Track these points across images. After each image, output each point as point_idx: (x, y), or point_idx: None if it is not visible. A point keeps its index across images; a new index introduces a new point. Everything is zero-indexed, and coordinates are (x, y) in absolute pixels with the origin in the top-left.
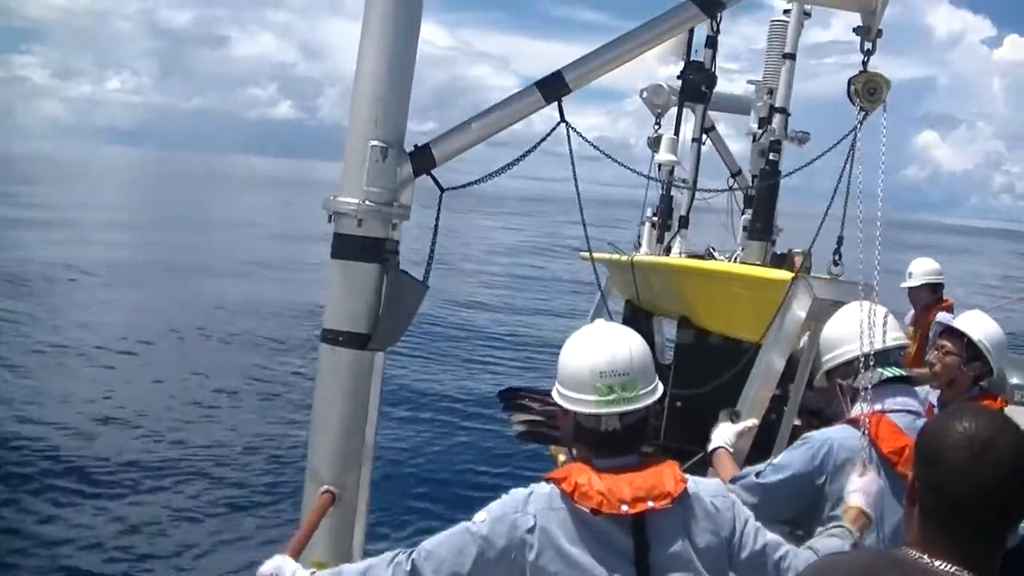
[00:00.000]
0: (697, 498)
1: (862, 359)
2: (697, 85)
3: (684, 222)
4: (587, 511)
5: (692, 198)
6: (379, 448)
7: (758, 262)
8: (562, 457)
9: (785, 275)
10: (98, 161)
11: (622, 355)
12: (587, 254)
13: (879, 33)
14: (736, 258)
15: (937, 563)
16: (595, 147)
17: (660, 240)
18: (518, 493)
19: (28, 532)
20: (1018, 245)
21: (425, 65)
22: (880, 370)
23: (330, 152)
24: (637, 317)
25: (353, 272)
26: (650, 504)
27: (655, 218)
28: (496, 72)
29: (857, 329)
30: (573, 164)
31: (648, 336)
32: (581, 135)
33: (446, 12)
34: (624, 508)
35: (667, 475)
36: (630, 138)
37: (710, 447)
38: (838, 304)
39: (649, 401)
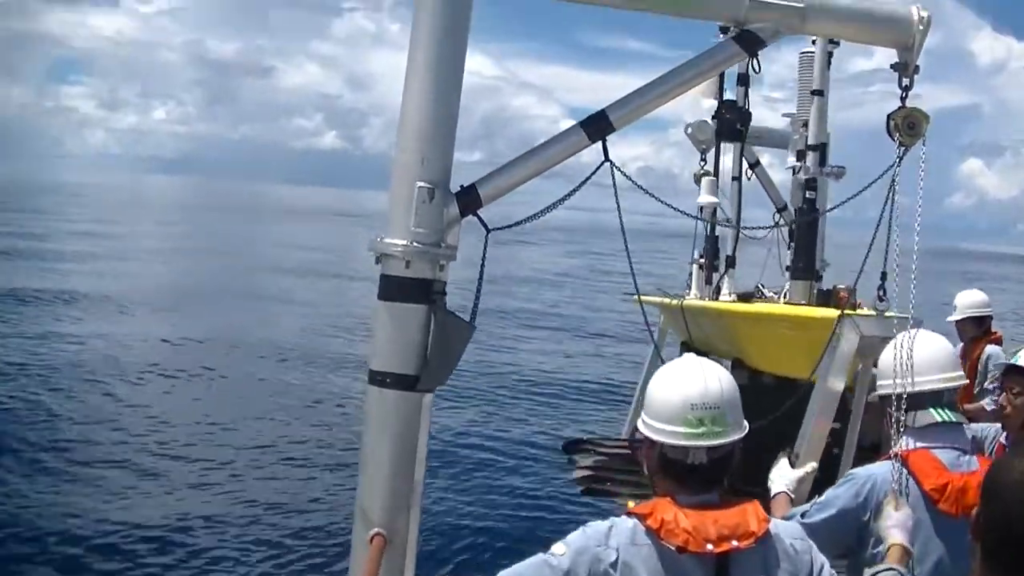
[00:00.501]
0: (778, 539)
1: (902, 397)
2: (732, 123)
3: (731, 262)
4: (672, 548)
5: (737, 237)
6: (427, 491)
7: (803, 301)
8: (631, 503)
9: (831, 313)
10: (144, 190)
11: (714, 388)
12: (637, 297)
13: (916, 69)
14: (785, 295)
15: None
16: (639, 187)
17: (709, 281)
18: (599, 526)
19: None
20: None
21: (472, 95)
22: (933, 411)
23: (375, 182)
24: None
25: (401, 313)
26: (734, 543)
27: (702, 260)
28: (539, 102)
29: (919, 362)
30: (618, 204)
31: None
32: (625, 174)
33: (492, 42)
34: (709, 547)
35: (751, 514)
36: (674, 168)
37: (772, 490)
38: (886, 340)
39: (736, 436)
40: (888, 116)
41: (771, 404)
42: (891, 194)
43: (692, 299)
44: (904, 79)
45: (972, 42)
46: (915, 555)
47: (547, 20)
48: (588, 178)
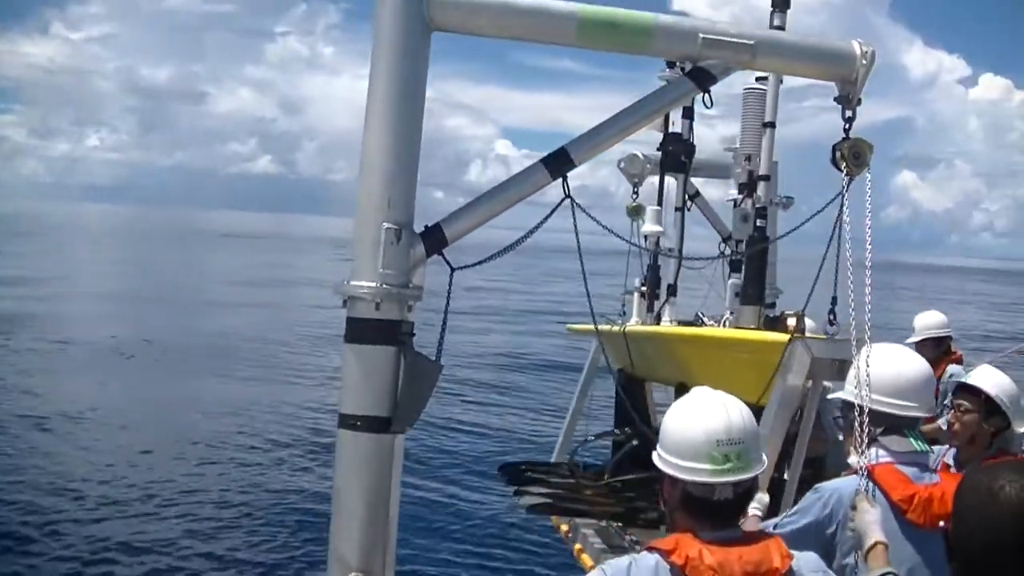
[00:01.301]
0: (800, 574)
1: (881, 414)
2: (677, 156)
3: (672, 290)
4: None
5: (679, 267)
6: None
7: (753, 325)
8: (564, 527)
9: (782, 337)
10: (77, 220)
11: (737, 422)
12: (575, 326)
13: (859, 101)
14: (725, 322)
15: None
16: (601, 224)
17: (651, 308)
18: (618, 564)
19: None
20: (1002, 287)
21: None
22: (912, 440)
23: (310, 206)
24: (631, 385)
25: (370, 356)
26: None
27: (643, 287)
28: (474, 122)
29: (902, 385)
30: (578, 241)
31: (642, 402)
32: (586, 212)
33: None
34: None
35: (774, 550)
36: (610, 186)
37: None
38: (836, 362)
39: (760, 469)
40: (833, 147)
41: None
42: (839, 223)
43: (633, 325)
44: (847, 111)
45: (904, 56)
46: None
47: (480, 42)
48: (549, 215)
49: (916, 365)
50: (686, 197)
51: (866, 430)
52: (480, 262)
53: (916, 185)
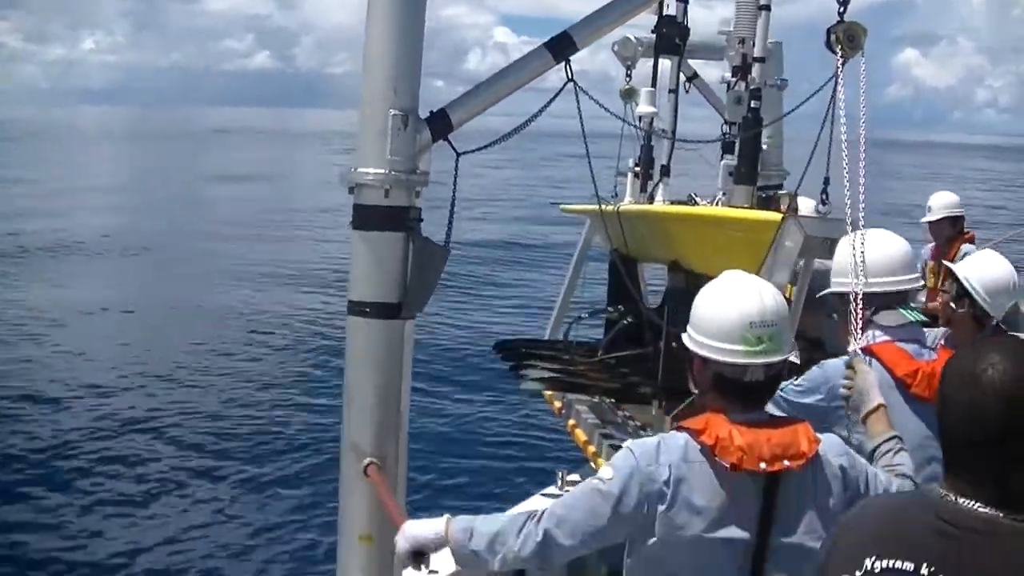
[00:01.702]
0: (826, 460)
1: (872, 295)
2: (671, 38)
3: (666, 171)
4: (726, 466)
5: (672, 148)
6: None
7: (746, 205)
8: (557, 404)
9: (775, 216)
10: (76, 123)
11: (770, 305)
12: (569, 207)
13: None
14: (718, 202)
15: (963, 502)
16: (604, 108)
17: (644, 189)
18: (646, 444)
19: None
20: (1005, 164)
21: None
22: (902, 311)
23: (310, 100)
24: (624, 264)
25: (379, 242)
26: (786, 463)
27: (637, 168)
28: (471, 11)
29: (877, 264)
30: (583, 125)
31: (635, 282)
32: (588, 95)
33: None
34: (762, 466)
35: (801, 434)
36: (610, 71)
37: None
38: (827, 240)
39: (790, 353)
40: (828, 30)
41: None
42: (832, 104)
43: (626, 205)
44: None
45: None
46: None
47: None
48: (552, 99)
49: (892, 241)
50: (680, 79)
51: (859, 314)
52: (485, 146)
53: (918, 62)
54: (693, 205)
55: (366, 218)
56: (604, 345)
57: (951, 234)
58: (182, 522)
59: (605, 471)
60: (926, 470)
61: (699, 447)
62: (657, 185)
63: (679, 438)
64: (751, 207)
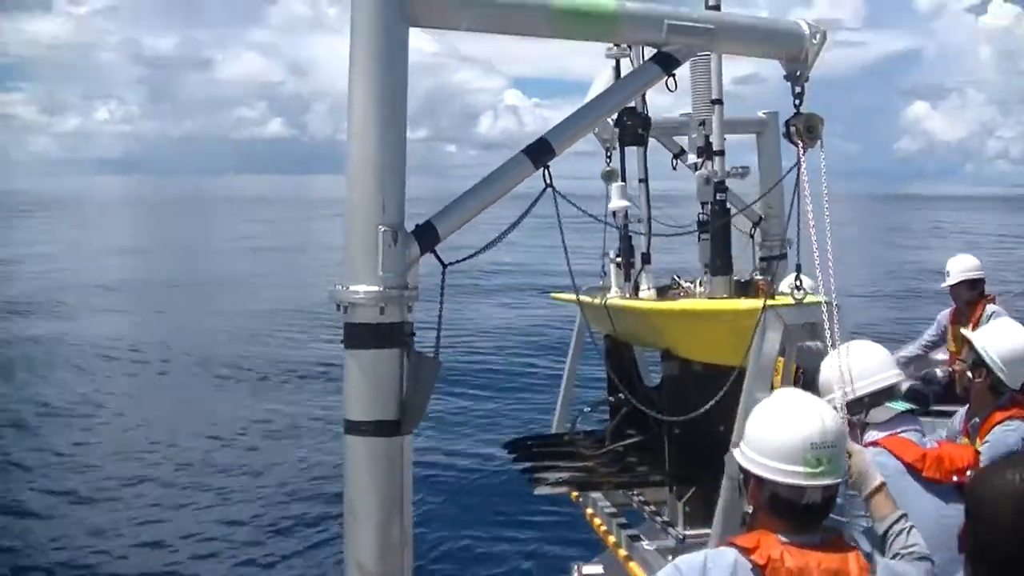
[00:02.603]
0: None
1: (861, 400)
2: (634, 129)
3: (646, 259)
4: None
5: (649, 239)
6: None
7: (725, 294)
8: (574, 493)
9: (756, 305)
10: (91, 193)
11: (830, 427)
12: (559, 295)
13: (807, 79)
14: (700, 283)
15: None
16: (582, 211)
17: (627, 278)
18: (692, 560)
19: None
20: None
21: (414, 74)
22: (889, 405)
23: (322, 166)
24: (619, 349)
25: (375, 360)
26: None
27: (619, 258)
28: (482, 75)
29: (856, 370)
30: (561, 230)
31: (631, 364)
32: (568, 199)
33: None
34: None
35: (852, 561)
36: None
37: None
38: (807, 326)
39: (845, 476)
40: (787, 122)
41: (703, 388)
42: (796, 194)
43: (614, 296)
44: (796, 87)
45: None
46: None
47: None
48: (532, 205)
49: (866, 348)
50: (647, 168)
51: (858, 425)
52: (471, 256)
53: (928, 116)
54: (677, 288)
55: (359, 336)
56: (609, 434)
57: (970, 297)
58: None
59: None
60: (945, 551)
61: (749, 566)
62: (640, 273)
63: (728, 555)
64: (730, 295)
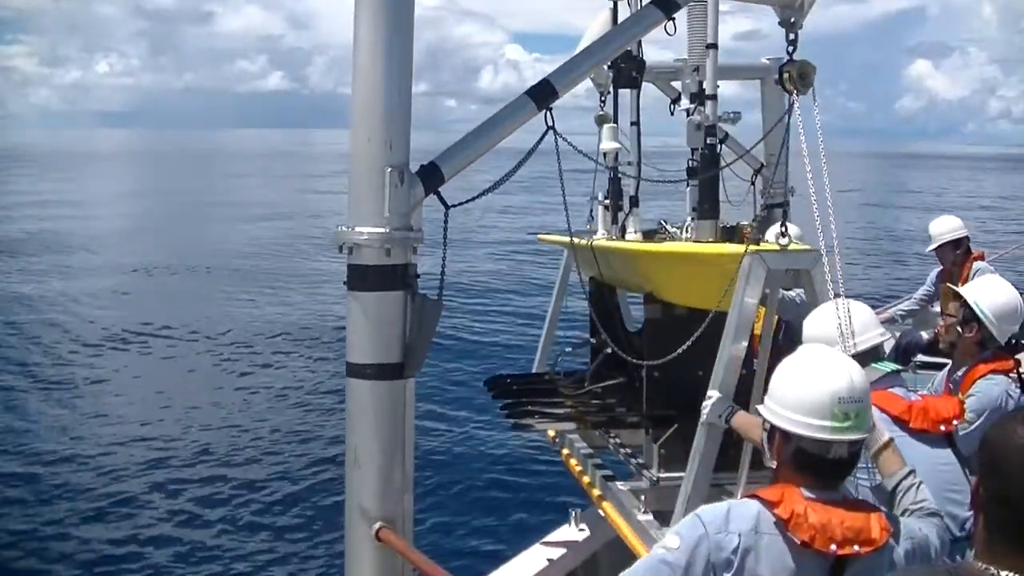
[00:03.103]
0: (893, 548)
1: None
2: (628, 72)
3: (635, 202)
4: (797, 542)
5: (639, 181)
6: None
7: (710, 238)
8: (551, 433)
9: (738, 249)
10: (93, 145)
11: (858, 381)
12: (546, 237)
13: (800, 26)
14: (688, 228)
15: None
16: (582, 153)
17: (615, 220)
18: (714, 511)
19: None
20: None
21: (415, 26)
22: (875, 366)
23: (323, 120)
24: (602, 292)
25: (379, 302)
26: (856, 548)
27: (607, 201)
28: (483, 29)
29: (850, 328)
30: (561, 172)
31: (615, 308)
32: (568, 142)
33: None
34: (832, 547)
35: (874, 521)
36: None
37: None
38: (790, 271)
39: (870, 431)
40: (780, 69)
41: (685, 332)
42: (785, 140)
43: (600, 238)
44: (790, 35)
45: None
46: None
47: None
48: (534, 148)
49: (852, 308)
50: (640, 110)
51: None
52: (474, 198)
53: (931, 74)
54: (664, 233)
55: (364, 278)
56: (589, 375)
57: (955, 257)
58: None
59: (671, 539)
60: (940, 499)
61: (772, 519)
62: (628, 216)
63: (751, 507)
64: (715, 240)
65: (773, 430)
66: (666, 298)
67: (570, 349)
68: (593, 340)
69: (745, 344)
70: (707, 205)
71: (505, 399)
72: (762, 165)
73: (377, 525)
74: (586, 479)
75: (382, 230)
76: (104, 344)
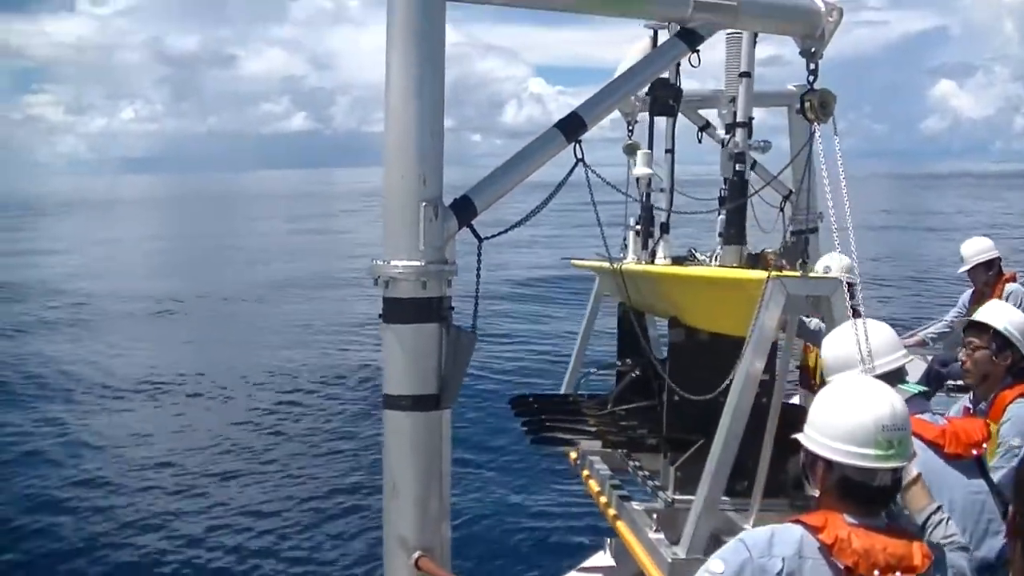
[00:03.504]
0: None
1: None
2: (665, 100)
3: (665, 228)
4: (840, 567)
5: (669, 209)
6: None
7: (735, 264)
8: (573, 455)
9: (760, 275)
10: (120, 192)
11: (900, 409)
12: (578, 261)
13: (821, 55)
14: (716, 256)
15: None
16: (611, 185)
17: (645, 246)
18: (757, 535)
19: None
20: None
21: None
22: (901, 387)
23: (347, 159)
24: (630, 317)
25: (415, 335)
26: (897, 575)
27: (638, 227)
28: (506, 63)
29: (876, 347)
30: (593, 200)
31: (644, 332)
32: (598, 175)
33: (453, 9)
34: (876, 573)
35: (916, 548)
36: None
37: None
38: (810, 298)
39: (912, 459)
40: (802, 97)
41: (707, 357)
42: (808, 170)
43: (629, 263)
44: (811, 64)
45: None
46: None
47: None
48: (564, 180)
49: (876, 328)
50: (675, 138)
51: None
52: (506, 230)
53: (955, 94)
54: (693, 260)
55: (400, 311)
56: (613, 397)
57: (987, 278)
58: None
59: (715, 564)
60: (974, 523)
61: (816, 544)
62: (658, 242)
63: (794, 531)
64: (740, 266)
65: (815, 459)
66: (689, 322)
67: (593, 371)
68: (619, 364)
69: (761, 367)
70: (734, 231)
71: (527, 418)
72: (790, 192)
73: (417, 554)
74: (603, 499)
75: (418, 263)
76: (130, 390)
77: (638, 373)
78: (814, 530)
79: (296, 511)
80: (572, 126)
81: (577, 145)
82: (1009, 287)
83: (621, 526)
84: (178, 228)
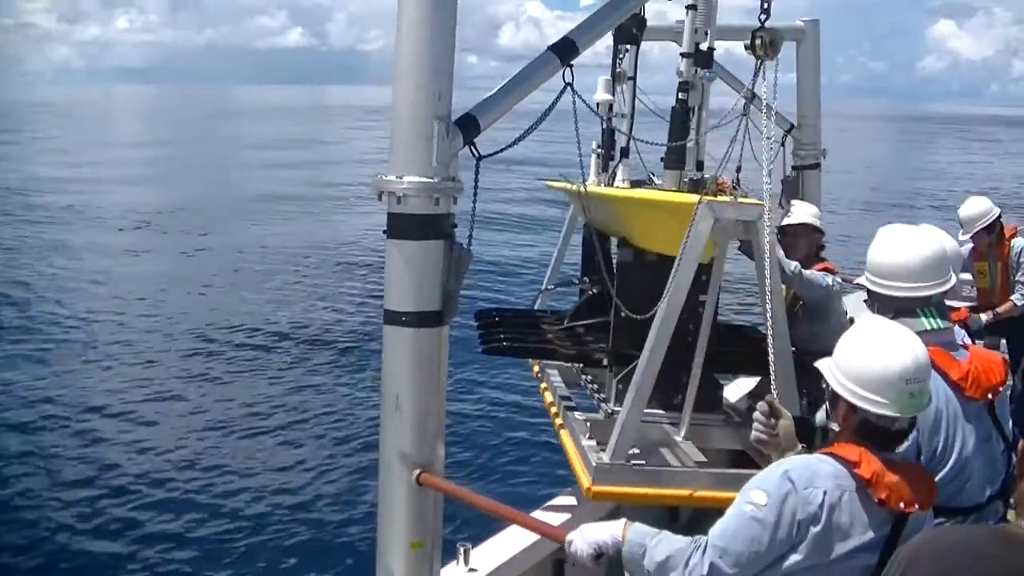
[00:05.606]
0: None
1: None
2: (629, 29)
3: (625, 152)
4: (873, 500)
5: (630, 134)
6: None
7: (675, 188)
8: (535, 368)
9: (692, 198)
10: (113, 102)
11: (923, 359)
12: (552, 183)
13: None
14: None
15: None
16: (596, 113)
17: (605, 168)
18: (798, 467)
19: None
20: None
21: None
22: (923, 320)
23: (343, 77)
24: (594, 236)
25: (421, 251)
26: (916, 507)
27: (599, 150)
28: None
29: (900, 266)
30: (577, 128)
31: (603, 252)
32: (584, 101)
33: None
34: (902, 505)
35: (928, 481)
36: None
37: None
38: (739, 223)
39: (930, 403)
40: (753, 33)
41: (652, 277)
42: (748, 103)
43: (591, 185)
44: (764, 3)
45: None
46: (950, 442)
47: None
48: (553, 104)
49: (921, 243)
50: (636, 67)
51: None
52: (503, 149)
53: (954, 34)
54: (649, 184)
55: (409, 227)
56: (570, 314)
57: (991, 240)
58: (209, 531)
59: (758, 496)
60: (992, 482)
61: (850, 476)
62: (617, 165)
63: (830, 464)
64: (679, 190)
65: (837, 397)
66: (635, 243)
67: (552, 287)
68: (579, 281)
69: (687, 286)
70: (674, 156)
71: (488, 329)
72: (791, 126)
73: (417, 471)
74: (553, 409)
75: (430, 179)
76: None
77: (596, 291)
78: (850, 464)
79: (282, 435)
80: (565, 49)
81: (568, 69)
82: (1015, 242)
83: (563, 435)
84: (174, 134)
